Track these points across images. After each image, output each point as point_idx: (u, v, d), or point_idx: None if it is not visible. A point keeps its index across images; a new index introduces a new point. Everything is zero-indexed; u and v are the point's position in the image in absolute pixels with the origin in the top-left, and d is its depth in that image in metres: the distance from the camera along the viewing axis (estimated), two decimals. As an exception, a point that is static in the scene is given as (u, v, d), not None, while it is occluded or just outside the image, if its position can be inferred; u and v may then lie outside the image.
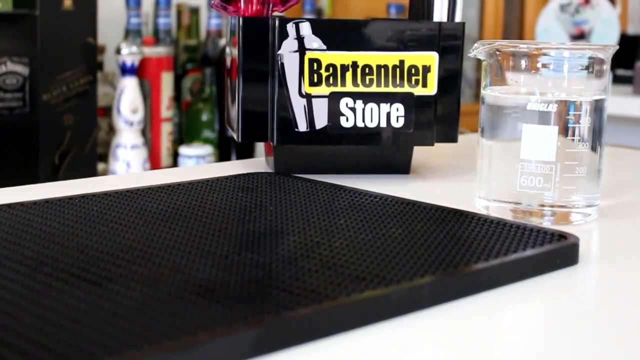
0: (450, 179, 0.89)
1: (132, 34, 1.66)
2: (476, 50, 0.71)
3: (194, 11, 1.85)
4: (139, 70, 1.56)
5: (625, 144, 1.20)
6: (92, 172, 1.46)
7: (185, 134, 1.80)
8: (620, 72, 2.06)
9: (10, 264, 0.51)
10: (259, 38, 0.81)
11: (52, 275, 0.49)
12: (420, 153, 0.94)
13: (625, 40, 2.12)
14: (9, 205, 0.65)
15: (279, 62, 0.81)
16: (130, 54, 1.52)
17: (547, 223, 0.68)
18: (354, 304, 0.46)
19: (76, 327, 0.41)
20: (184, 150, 1.67)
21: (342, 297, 0.46)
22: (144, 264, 0.51)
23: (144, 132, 1.62)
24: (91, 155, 1.46)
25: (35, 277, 0.48)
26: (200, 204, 0.69)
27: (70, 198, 0.69)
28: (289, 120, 0.82)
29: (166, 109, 1.68)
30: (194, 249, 0.55)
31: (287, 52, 0.81)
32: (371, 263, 0.53)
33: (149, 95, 1.64)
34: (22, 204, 0.66)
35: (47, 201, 0.67)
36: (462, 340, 0.45)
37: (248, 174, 0.82)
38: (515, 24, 2.38)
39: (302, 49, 0.81)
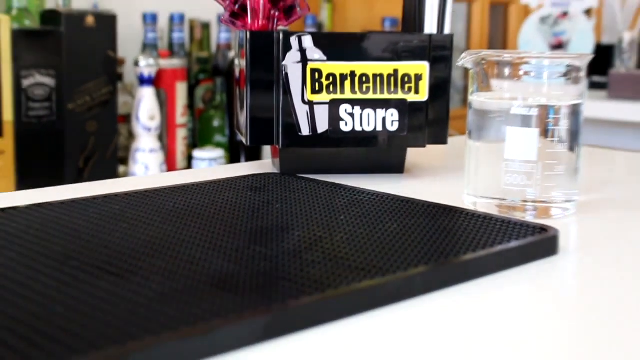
0: (441, 178, 0.89)
1: (149, 47, 1.67)
2: (464, 60, 0.72)
3: (205, 26, 1.85)
4: (155, 81, 1.56)
5: (600, 144, 1.20)
6: (113, 174, 1.47)
7: (198, 139, 1.80)
8: (596, 78, 2.06)
9: (42, 258, 0.51)
10: (265, 50, 0.81)
11: (79, 268, 0.49)
12: (413, 154, 0.94)
13: (600, 50, 2.12)
14: (39, 205, 0.66)
15: (284, 72, 0.81)
16: (147, 65, 1.52)
17: (529, 217, 0.68)
18: (353, 292, 0.46)
19: (101, 315, 0.41)
20: (197, 153, 1.67)
21: (342, 286, 0.46)
22: (162, 257, 0.52)
23: (160, 137, 1.62)
24: (113, 159, 1.47)
25: (63, 270, 0.48)
26: (212, 202, 0.69)
27: (94, 198, 0.69)
28: (293, 125, 0.82)
29: (181, 116, 1.68)
30: (208, 243, 0.55)
31: (291, 62, 0.81)
32: (369, 255, 0.53)
33: (165, 103, 1.64)
34: (50, 203, 0.67)
35: (73, 201, 0.68)
36: (453, 324, 0.45)
37: (256, 175, 0.82)
38: (500, 36, 2.38)
39: (304, 60, 0.81)
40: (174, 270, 0.49)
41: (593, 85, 2.06)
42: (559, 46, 2.06)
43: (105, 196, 0.70)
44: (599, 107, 1.85)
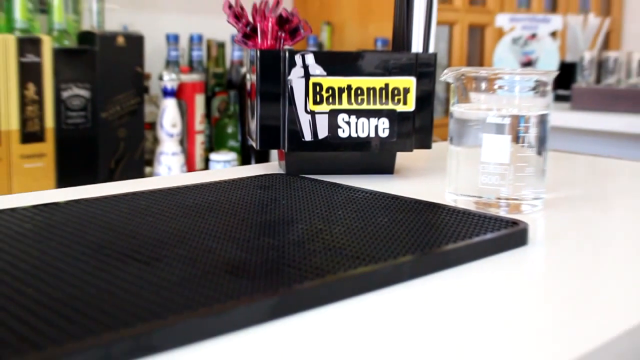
0: (426, 178, 0.89)
1: (171, 64, 1.67)
2: (446, 75, 0.72)
3: (221, 45, 1.85)
4: (177, 93, 1.56)
5: (564, 149, 1.20)
6: (140, 174, 1.47)
7: (214, 143, 1.80)
8: (560, 92, 2.06)
9: (78, 247, 0.51)
10: (273, 67, 0.81)
11: (110, 256, 0.49)
12: (401, 157, 0.94)
13: (564, 67, 2.12)
14: (76, 201, 0.66)
15: (289, 86, 0.81)
16: (170, 80, 1.52)
17: (502, 212, 0.68)
18: (350, 278, 0.46)
19: (130, 297, 0.41)
20: (213, 156, 1.67)
21: (340, 272, 0.46)
22: (183, 246, 0.52)
23: (181, 142, 1.62)
24: (140, 161, 1.47)
25: (97, 257, 0.49)
26: (226, 199, 0.69)
27: (124, 195, 0.69)
28: (297, 132, 0.82)
29: (199, 124, 1.68)
30: (222, 234, 0.55)
31: (295, 77, 0.81)
32: (363, 245, 0.53)
33: (185, 112, 1.64)
34: (86, 199, 0.67)
35: (106, 197, 0.68)
36: (436, 305, 0.46)
37: (265, 175, 0.82)
38: (477, 54, 2.38)
39: (307, 75, 0.81)
40: (193, 257, 0.49)
41: (558, 98, 2.06)
42: (528, 64, 2.07)
43: (134, 193, 0.70)
44: (563, 116, 1.85)
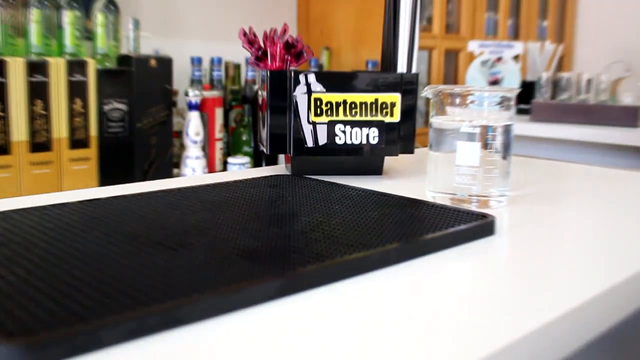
0: (409, 178, 0.89)
1: (195, 82, 1.67)
2: (426, 92, 0.72)
3: (237, 67, 1.85)
4: (200, 107, 1.56)
5: (525, 154, 1.20)
6: (169, 175, 1.47)
7: (231, 149, 1.80)
8: (522, 106, 2.06)
9: (117, 236, 0.51)
10: (280, 84, 0.81)
11: (143, 243, 0.49)
12: (389, 161, 0.94)
13: (525, 85, 2.12)
14: (115, 197, 0.66)
15: (294, 101, 0.81)
16: (194, 95, 1.52)
17: (473, 207, 0.68)
18: (345, 262, 0.46)
19: (160, 278, 0.41)
20: (230, 159, 1.67)
21: (337, 257, 0.46)
22: (204, 236, 0.52)
23: (203, 148, 1.62)
24: (169, 164, 1.47)
25: (132, 244, 0.48)
26: (241, 195, 0.69)
27: (155, 192, 0.69)
28: (300, 139, 0.82)
29: (218, 132, 1.68)
30: (237, 225, 0.55)
31: (300, 93, 0.81)
32: (356, 234, 0.53)
33: (206, 123, 1.64)
34: (124, 196, 0.67)
35: (140, 194, 0.68)
36: (418, 285, 0.46)
37: (274, 176, 0.82)
38: (452, 74, 2.38)
39: (309, 92, 0.81)
40: (213, 245, 0.49)
41: (520, 111, 2.06)
42: (495, 82, 2.07)
43: (163, 191, 0.70)
44: (524, 127, 1.85)
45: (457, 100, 0.69)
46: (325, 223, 0.57)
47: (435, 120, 0.71)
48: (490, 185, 0.69)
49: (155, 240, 0.49)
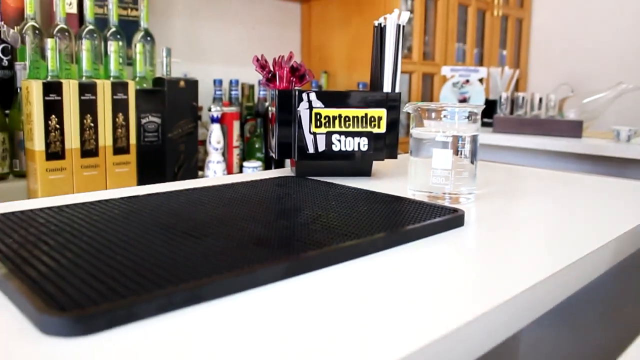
0: (393, 179, 0.89)
1: (217, 100, 1.66)
2: (407, 108, 0.71)
3: (251, 87, 1.84)
4: (220, 120, 1.55)
5: (489, 159, 1.19)
6: (195, 176, 1.46)
7: (246, 155, 1.79)
8: (486, 120, 2.06)
9: (151, 227, 0.50)
10: (287, 102, 0.81)
11: (173, 233, 0.48)
12: (376, 165, 0.94)
13: (488, 103, 2.11)
14: (150, 195, 0.65)
15: (298, 115, 0.81)
16: (216, 111, 1.51)
17: (447, 203, 0.68)
18: (340, 249, 0.46)
19: (186, 262, 0.41)
20: (245, 163, 1.66)
21: (334, 245, 0.46)
22: (223, 227, 0.51)
23: (223, 154, 1.61)
24: (194, 167, 1.46)
25: (163, 234, 0.48)
26: (254, 193, 0.69)
27: (183, 190, 0.68)
28: (303, 147, 0.82)
29: (236, 141, 1.67)
30: (250, 218, 0.55)
31: (303, 109, 0.81)
32: (349, 225, 0.52)
33: (226, 133, 1.63)
34: (156, 194, 0.66)
35: (171, 192, 0.67)
36: (400, 267, 0.45)
37: (281, 177, 0.82)
38: (428, 94, 2.38)
39: (310, 107, 0.81)
40: (230, 234, 0.49)
41: (484, 124, 2.06)
42: (464, 100, 2.06)
43: (190, 189, 0.69)
44: (488, 137, 1.85)
45: (433, 115, 0.69)
46: (324, 216, 0.56)
47: (415, 131, 0.71)
48: (460, 184, 0.68)
49: (183, 230, 0.49)
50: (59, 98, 1.15)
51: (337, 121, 0.82)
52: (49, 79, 1.18)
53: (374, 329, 0.34)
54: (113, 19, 1.43)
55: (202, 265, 0.40)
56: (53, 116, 1.14)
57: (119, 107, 1.25)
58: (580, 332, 0.81)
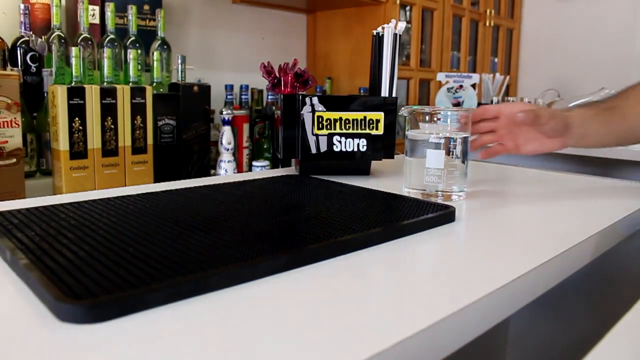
0: (390, 178, 0.88)
1: (228, 104, 1.66)
2: (403, 111, 0.71)
3: (260, 92, 1.84)
4: (231, 122, 1.55)
5: (480, 160, 1.18)
6: (207, 175, 1.46)
7: (255, 155, 1.79)
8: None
9: (163, 221, 0.50)
10: (291, 105, 0.80)
11: (182, 227, 0.48)
12: (374, 164, 0.93)
13: (480, 105, 2.10)
14: (164, 191, 0.65)
15: (302, 118, 0.80)
16: (227, 114, 1.51)
17: (439, 200, 0.67)
18: (338, 242, 0.45)
19: (193, 254, 0.40)
20: (254, 163, 1.66)
21: (332, 238, 0.46)
22: (230, 221, 0.51)
23: (234, 154, 1.61)
24: (207, 166, 1.46)
25: (174, 228, 0.48)
26: (260, 190, 0.68)
27: (195, 187, 0.68)
28: (307, 147, 0.81)
29: (245, 142, 1.67)
30: (256, 213, 0.55)
31: (306, 112, 0.80)
32: (348, 221, 0.52)
33: (236, 135, 1.62)
34: (169, 191, 0.66)
35: (183, 189, 0.67)
36: (396, 259, 0.45)
37: (286, 175, 0.81)
38: (425, 98, 2.37)
39: (313, 111, 0.80)
40: (236, 228, 0.48)
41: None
42: (457, 104, 2.05)
43: (201, 186, 0.69)
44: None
45: (427, 118, 0.68)
46: (324, 212, 0.56)
47: (410, 133, 0.70)
48: (452, 183, 0.68)
49: (192, 225, 0.49)
50: (82, 102, 1.15)
51: (338, 123, 0.82)
52: (73, 84, 1.18)
53: (371, 316, 0.33)
54: (132, 29, 1.43)
55: (208, 257, 0.39)
56: (76, 118, 1.14)
57: (137, 110, 1.25)
58: (565, 319, 0.80)
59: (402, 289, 0.38)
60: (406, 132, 0.71)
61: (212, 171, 1.57)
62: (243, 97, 1.74)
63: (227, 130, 1.54)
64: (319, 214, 0.55)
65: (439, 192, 0.67)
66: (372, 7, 2.03)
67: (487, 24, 2.62)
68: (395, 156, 0.88)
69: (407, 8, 2.18)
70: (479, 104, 2.12)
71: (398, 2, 2.02)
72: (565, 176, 0.95)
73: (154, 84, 1.40)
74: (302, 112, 0.80)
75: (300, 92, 0.85)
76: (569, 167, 1.65)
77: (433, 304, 0.36)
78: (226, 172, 1.53)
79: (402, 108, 0.70)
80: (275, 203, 0.60)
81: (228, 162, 1.55)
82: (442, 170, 0.67)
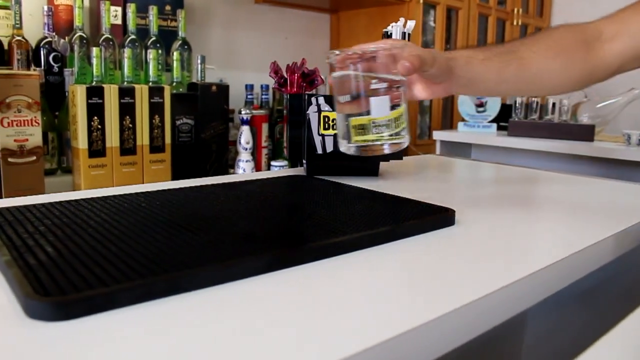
0: (399, 179, 0.86)
1: (247, 103, 1.66)
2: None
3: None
4: (250, 122, 1.55)
5: (504, 162, 1.15)
6: (225, 173, 1.47)
7: (275, 155, 1.79)
8: (502, 124, 2.00)
9: (153, 221, 0.50)
10: (297, 105, 0.80)
11: (170, 226, 0.48)
12: (385, 166, 0.92)
13: (504, 107, 2.05)
14: (179, 189, 0.65)
15: (308, 117, 0.79)
16: (245, 113, 1.52)
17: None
18: (329, 244, 0.44)
19: (174, 254, 0.40)
20: (273, 162, 1.66)
21: (317, 241, 0.44)
22: (219, 221, 0.50)
23: (252, 153, 1.61)
24: (225, 165, 1.47)
25: (163, 228, 0.47)
26: (264, 190, 0.68)
27: (201, 186, 0.68)
28: (313, 147, 0.80)
29: (264, 141, 1.67)
30: (252, 213, 0.54)
31: (312, 112, 0.79)
32: (340, 223, 0.51)
33: (255, 134, 1.63)
34: (164, 190, 0.65)
35: (200, 186, 0.67)
36: (398, 259, 0.44)
37: (293, 175, 0.81)
38: (450, 98, 2.33)
39: (319, 111, 0.79)
40: (224, 229, 0.48)
41: (500, 128, 1.99)
42: (480, 105, 2.00)
43: (203, 186, 0.69)
44: (503, 140, 1.80)
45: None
46: (324, 211, 0.55)
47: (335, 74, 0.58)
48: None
49: (180, 224, 0.48)
50: (101, 101, 1.17)
51: (344, 124, 0.80)
52: (94, 83, 1.21)
53: (370, 312, 0.32)
54: (153, 29, 1.45)
55: (188, 257, 0.39)
56: (95, 117, 1.17)
57: (155, 109, 1.27)
58: (565, 325, 0.77)
59: (407, 283, 0.37)
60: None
61: (231, 170, 1.58)
62: (263, 97, 1.74)
63: (245, 130, 1.54)
64: (317, 214, 0.54)
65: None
66: (395, 6, 2.01)
67: (515, 22, 2.56)
68: (405, 158, 0.87)
69: (431, 7, 2.15)
70: (503, 105, 2.07)
71: (421, 1, 1.99)
72: (582, 179, 0.92)
73: (174, 83, 1.42)
74: (308, 112, 0.79)
75: (307, 92, 0.84)
76: (595, 170, 1.59)
77: (437, 298, 0.35)
78: (244, 171, 1.53)
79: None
80: (275, 203, 0.60)
81: (246, 161, 1.55)
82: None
